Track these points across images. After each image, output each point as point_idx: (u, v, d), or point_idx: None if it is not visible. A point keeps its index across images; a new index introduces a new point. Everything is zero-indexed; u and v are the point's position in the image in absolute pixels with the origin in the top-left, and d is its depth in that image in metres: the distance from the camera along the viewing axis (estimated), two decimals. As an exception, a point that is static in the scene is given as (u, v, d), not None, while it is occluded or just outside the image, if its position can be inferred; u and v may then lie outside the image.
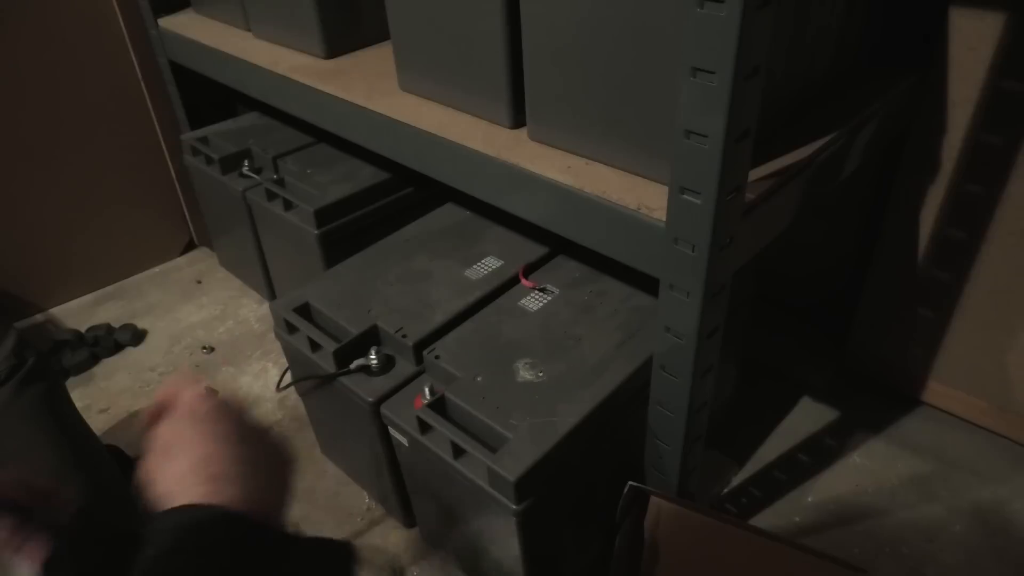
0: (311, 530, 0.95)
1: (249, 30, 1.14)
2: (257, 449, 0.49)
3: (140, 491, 0.47)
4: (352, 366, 0.80)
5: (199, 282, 1.46)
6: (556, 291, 0.87)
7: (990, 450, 0.99)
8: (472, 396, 0.73)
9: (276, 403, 1.15)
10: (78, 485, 0.64)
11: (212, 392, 0.52)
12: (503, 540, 0.73)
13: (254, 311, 1.37)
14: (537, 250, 0.95)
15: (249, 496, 0.45)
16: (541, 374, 0.75)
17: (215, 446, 0.47)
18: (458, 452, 0.70)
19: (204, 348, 1.28)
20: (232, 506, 0.43)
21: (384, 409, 0.77)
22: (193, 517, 0.42)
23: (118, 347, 1.30)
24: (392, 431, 0.78)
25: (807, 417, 1.06)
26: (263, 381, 1.20)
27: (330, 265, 0.98)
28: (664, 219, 0.59)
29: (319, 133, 1.24)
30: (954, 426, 1.03)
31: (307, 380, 0.87)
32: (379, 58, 1.00)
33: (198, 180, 1.33)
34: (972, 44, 0.80)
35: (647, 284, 0.79)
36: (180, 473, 0.46)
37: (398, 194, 1.14)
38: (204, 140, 1.28)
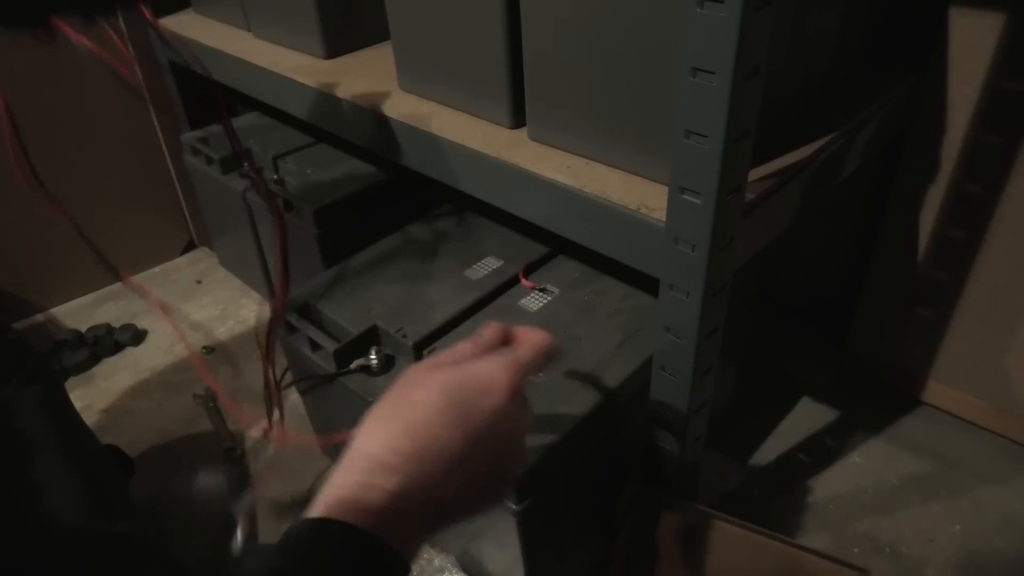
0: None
1: (249, 30, 1.14)
2: (486, 480, 0.43)
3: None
4: (352, 366, 0.80)
5: (199, 282, 1.46)
6: (556, 291, 0.87)
7: (990, 450, 0.99)
8: (472, 396, 0.73)
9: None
10: (77, 486, 0.64)
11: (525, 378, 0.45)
12: (503, 540, 0.73)
13: (254, 311, 1.36)
14: (537, 250, 0.94)
15: (426, 533, 0.40)
16: (541, 374, 0.75)
17: (460, 449, 0.41)
18: (458, 452, 0.70)
19: (204, 348, 1.28)
20: (391, 539, 0.37)
21: (384, 409, 0.77)
22: (337, 544, 0.37)
23: (118, 347, 1.29)
24: (392, 431, 0.78)
25: (807, 417, 1.06)
26: (263, 381, 1.20)
27: (330, 265, 0.98)
28: (664, 219, 0.59)
29: (319, 133, 1.24)
30: (954, 426, 1.03)
31: (307, 380, 0.87)
32: (379, 58, 0.99)
33: (198, 180, 1.33)
34: (972, 44, 0.80)
35: (647, 284, 0.79)
36: (386, 449, 0.40)
37: (398, 194, 1.14)
38: (204, 140, 1.28)
